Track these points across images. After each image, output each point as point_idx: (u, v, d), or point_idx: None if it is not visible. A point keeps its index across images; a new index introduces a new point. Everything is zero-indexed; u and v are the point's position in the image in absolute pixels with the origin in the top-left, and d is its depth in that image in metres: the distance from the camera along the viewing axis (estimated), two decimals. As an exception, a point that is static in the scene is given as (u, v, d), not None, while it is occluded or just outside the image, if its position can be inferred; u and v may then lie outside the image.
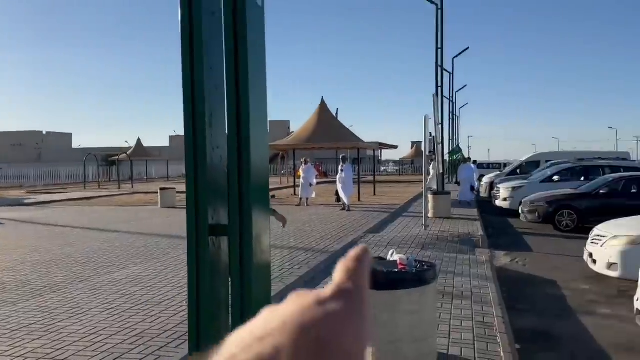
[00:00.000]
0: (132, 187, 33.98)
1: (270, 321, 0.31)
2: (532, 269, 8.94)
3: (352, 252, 0.36)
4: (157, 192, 20.28)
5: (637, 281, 7.19)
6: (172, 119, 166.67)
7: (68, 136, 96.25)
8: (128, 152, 42.62)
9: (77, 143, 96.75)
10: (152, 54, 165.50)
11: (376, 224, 12.88)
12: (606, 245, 7.65)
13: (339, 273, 0.35)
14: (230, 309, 2.46)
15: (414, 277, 4.00)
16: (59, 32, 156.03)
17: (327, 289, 0.33)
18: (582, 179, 16.60)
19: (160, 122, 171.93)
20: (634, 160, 22.85)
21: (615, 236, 7.59)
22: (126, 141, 59.82)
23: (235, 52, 2.33)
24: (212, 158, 2.44)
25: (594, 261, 7.90)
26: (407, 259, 4.36)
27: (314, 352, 0.29)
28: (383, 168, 65.33)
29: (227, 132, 2.36)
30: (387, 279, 3.91)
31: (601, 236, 7.92)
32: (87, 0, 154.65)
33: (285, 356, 0.28)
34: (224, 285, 2.46)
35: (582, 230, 12.91)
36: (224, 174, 2.44)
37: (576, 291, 7.49)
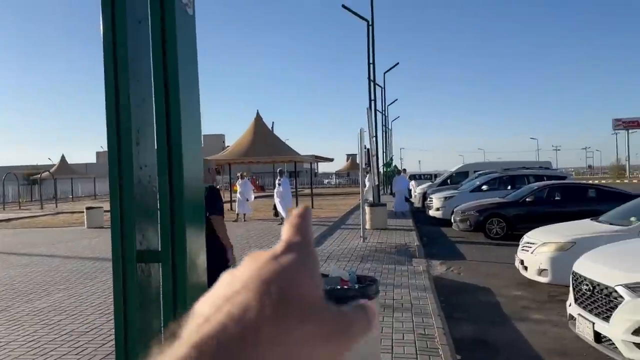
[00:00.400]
0: (56, 206, 32.22)
1: (233, 282, 0.34)
2: (467, 277, 9.15)
3: (295, 211, 0.39)
4: (83, 212, 19.26)
5: (567, 286, 7.54)
6: (99, 135, 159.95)
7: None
8: (51, 170, 40.38)
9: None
10: (78, 66, 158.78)
11: (315, 238, 12.78)
12: (536, 252, 7.94)
13: (286, 230, 0.38)
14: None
15: (357, 293, 3.92)
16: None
17: (278, 246, 0.36)
18: (509, 187, 17.35)
19: (87, 138, 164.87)
20: (556, 169, 24.24)
21: (544, 243, 7.90)
22: (49, 158, 56.69)
23: (164, 62, 2.15)
24: (139, 178, 2.24)
25: (525, 268, 8.19)
26: (349, 275, 4.29)
27: (277, 302, 0.32)
28: (327, 180, 65.59)
29: (156, 148, 2.17)
30: (331, 296, 3.80)
31: (531, 243, 8.23)
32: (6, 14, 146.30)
33: (254, 310, 0.31)
34: (156, 317, 2.26)
35: (511, 237, 13.45)
36: (153, 195, 2.25)
37: (509, 297, 7.71)
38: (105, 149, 2.32)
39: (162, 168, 2.09)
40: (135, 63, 2.19)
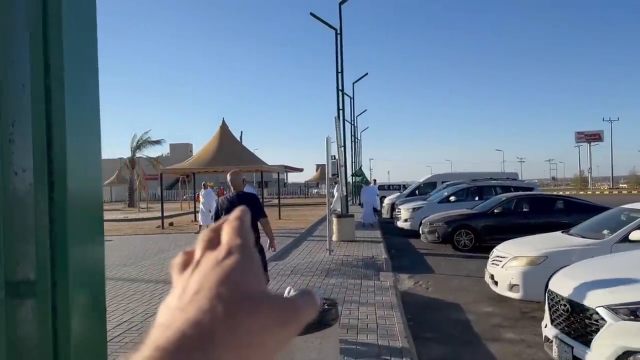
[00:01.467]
0: None
1: (186, 291, 0.37)
2: (435, 292, 8.79)
3: (233, 214, 0.41)
4: None
5: (539, 303, 7.23)
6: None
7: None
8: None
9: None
10: None
11: (280, 250, 12.27)
12: (506, 266, 7.62)
13: (225, 233, 0.40)
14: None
15: (313, 320, 3.45)
16: None
17: (221, 249, 0.38)
18: (477, 198, 17.20)
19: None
20: (523, 180, 24.35)
21: (515, 257, 7.59)
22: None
23: (45, 36, 1.62)
24: (14, 185, 1.70)
25: (496, 282, 7.86)
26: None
27: (227, 302, 0.34)
28: (316, 191, 63.88)
29: (32, 149, 1.64)
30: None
31: (501, 257, 7.91)
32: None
33: (208, 313, 0.34)
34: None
35: (480, 249, 13.21)
36: (34, 209, 1.70)
37: (480, 315, 7.36)
38: None
39: (38, 173, 1.58)
40: (12, 40, 1.68)
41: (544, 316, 5.11)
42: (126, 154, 41.55)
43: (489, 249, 13.07)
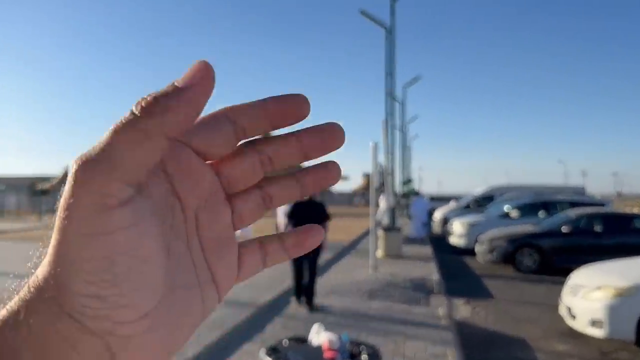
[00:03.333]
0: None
1: None
2: (496, 323, 7.52)
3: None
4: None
5: (626, 342, 5.90)
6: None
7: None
8: (54, 181, 39.56)
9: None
10: (88, 74, 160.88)
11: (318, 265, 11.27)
12: (588, 297, 6.30)
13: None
14: None
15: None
16: None
17: None
18: (541, 214, 15.63)
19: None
20: (592, 196, 22.28)
21: (599, 286, 6.25)
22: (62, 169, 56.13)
23: None
24: None
25: (573, 316, 6.54)
26: (339, 341, 2.78)
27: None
28: (357, 201, 61.98)
29: None
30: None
31: (581, 285, 6.59)
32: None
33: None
34: None
35: (546, 271, 11.76)
36: None
37: (552, 354, 6.09)
38: None
39: None
40: None
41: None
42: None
43: (556, 272, 11.68)
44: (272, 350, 2.85)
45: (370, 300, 7.94)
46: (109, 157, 0.26)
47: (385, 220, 17.37)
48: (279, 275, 9.72)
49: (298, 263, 7.49)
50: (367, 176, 50.76)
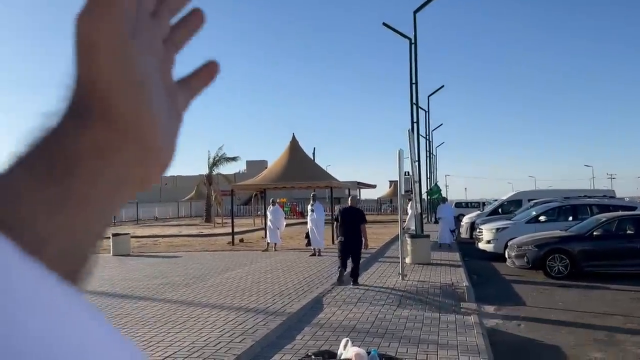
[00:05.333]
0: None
1: None
2: (529, 330, 7.48)
3: None
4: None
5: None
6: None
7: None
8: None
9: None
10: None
11: (347, 273, 11.33)
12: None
13: None
14: None
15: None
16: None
17: None
18: (571, 218, 15.41)
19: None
20: (622, 199, 21.83)
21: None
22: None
23: None
24: None
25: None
26: (369, 356, 2.86)
27: None
28: (385, 207, 61.19)
29: None
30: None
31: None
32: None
33: None
34: None
35: (577, 276, 11.59)
36: None
37: (588, 363, 6.03)
38: None
39: None
40: None
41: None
42: (206, 170, 42.19)
43: (587, 277, 11.51)
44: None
45: (400, 308, 7.98)
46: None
47: (413, 227, 17.34)
48: (307, 286, 9.83)
49: (344, 257, 10.10)
50: (393, 183, 50.61)
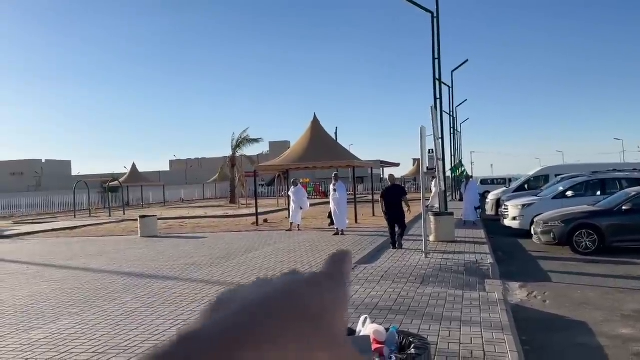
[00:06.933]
0: (124, 214, 32.54)
1: (266, 287, 0.35)
2: (555, 306, 7.39)
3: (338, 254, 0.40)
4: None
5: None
6: (172, 144, 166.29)
7: (67, 164, 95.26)
8: (121, 179, 41.31)
9: (77, 170, 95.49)
10: (149, 83, 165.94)
11: (370, 252, 11.35)
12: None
13: (329, 263, 0.39)
14: None
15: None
16: (55, 67, 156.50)
17: (319, 272, 0.37)
18: (599, 193, 15.07)
19: (161, 147, 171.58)
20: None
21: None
22: (125, 167, 58.59)
23: None
24: None
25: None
26: (389, 333, 2.86)
27: (308, 320, 0.32)
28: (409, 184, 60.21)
29: None
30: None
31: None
32: (80, 38, 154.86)
33: (279, 321, 0.31)
34: None
35: (605, 252, 11.39)
36: None
37: (615, 338, 5.93)
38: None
39: None
40: None
41: None
42: (230, 152, 42.41)
43: (615, 252, 11.28)
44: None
45: (423, 286, 7.96)
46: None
47: (437, 205, 17.21)
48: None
49: (392, 227, 12.11)
50: (417, 161, 50.12)
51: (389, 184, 12.79)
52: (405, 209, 12.20)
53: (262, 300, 0.32)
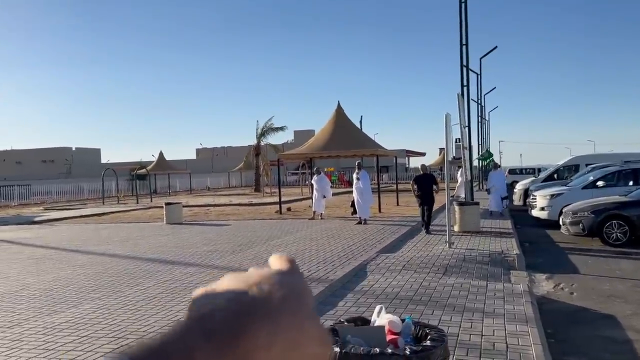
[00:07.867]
0: (151, 201, 33.01)
1: (248, 277, 0.41)
2: (582, 299, 7.17)
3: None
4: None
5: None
6: (199, 132, 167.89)
7: (97, 151, 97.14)
8: (148, 167, 41.88)
9: (106, 158, 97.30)
10: (179, 70, 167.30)
11: (392, 241, 11.21)
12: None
13: (277, 261, 0.45)
14: None
15: (407, 363, 2.39)
16: (86, 54, 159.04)
17: (280, 267, 0.44)
18: (631, 183, 14.58)
19: (188, 135, 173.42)
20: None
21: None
22: (153, 155, 59.34)
23: None
24: None
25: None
26: (404, 323, 2.76)
27: (297, 296, 0.39)
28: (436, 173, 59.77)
29: None
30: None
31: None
32: (110, 26, 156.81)
33: (280, 292, 0.39)
34: None
35: (636, 244, 11.02)
36: None
37: (645, 333, 5.72)
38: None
39: None
40: None
41: None
42: (254, 141, 42.49)
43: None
44: (331, 332, 2.84)
45: (445, 276, 7.81)
46: None
47: (462, 194, 16.91)
48: (352, 254, 9.80)
49: (422, 208, 12.99)
50: (443, 150, 49.45)
51: (421, 172, 13.60)
52: (435, 193, 13.21)
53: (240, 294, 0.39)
